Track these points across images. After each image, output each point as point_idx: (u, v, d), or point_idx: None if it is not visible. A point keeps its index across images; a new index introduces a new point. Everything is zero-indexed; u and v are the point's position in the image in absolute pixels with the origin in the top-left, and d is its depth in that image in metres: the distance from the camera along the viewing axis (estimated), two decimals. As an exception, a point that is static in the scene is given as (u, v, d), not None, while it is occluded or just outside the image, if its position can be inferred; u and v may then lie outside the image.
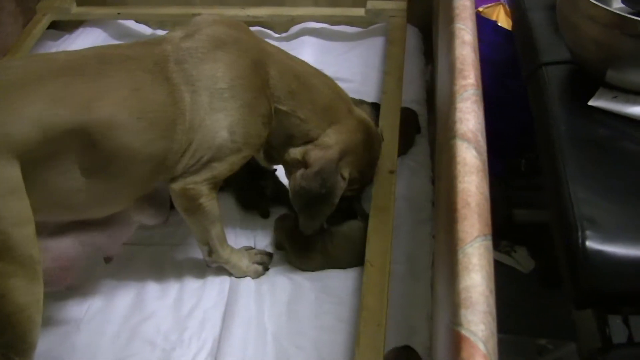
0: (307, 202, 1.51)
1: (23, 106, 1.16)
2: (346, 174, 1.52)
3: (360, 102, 2.00)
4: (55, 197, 1.26)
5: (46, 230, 1.36)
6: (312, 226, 1.56)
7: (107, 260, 1.53)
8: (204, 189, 1.41)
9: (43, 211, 1.25)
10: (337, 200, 1.51)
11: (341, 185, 1.51)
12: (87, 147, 1.23)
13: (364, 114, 1.62)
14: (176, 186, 1.40)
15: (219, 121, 1.35)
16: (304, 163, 1.50)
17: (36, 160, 1.19)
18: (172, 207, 1.50)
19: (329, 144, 1.50)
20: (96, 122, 1.22)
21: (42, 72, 1.22)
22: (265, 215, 1.78)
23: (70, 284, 1.46)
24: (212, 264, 1.60)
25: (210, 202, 1.44)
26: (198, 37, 1.38)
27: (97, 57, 1.31)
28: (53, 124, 1.18)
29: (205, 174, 1.39)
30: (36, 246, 1.20)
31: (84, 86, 1.23)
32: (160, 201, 1.50)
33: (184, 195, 1.41)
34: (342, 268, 1.62)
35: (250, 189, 1.75)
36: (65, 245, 1.41)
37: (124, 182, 1.33)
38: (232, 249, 1.59)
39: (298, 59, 1.56)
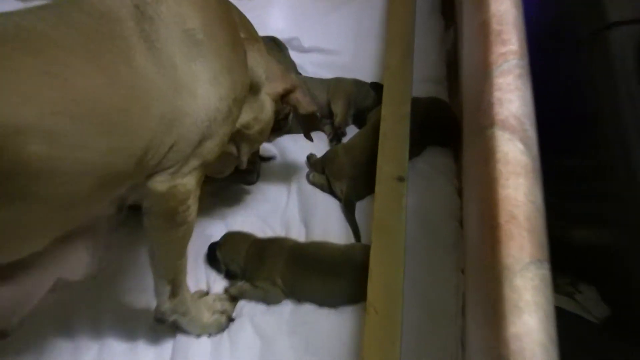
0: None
1: None
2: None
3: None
4: None
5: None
6: None
7: (2, 336, 1.47)
8: (192, 183, 1.42)
9: None
10: None
11: None
12: None
13: None
14: (162, 186, 1.38)
15: (199, 73, 1.35)
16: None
17: None
18: None
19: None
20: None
21: None
22: None
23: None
24: (167, 316, 1.58)
25: (195, 205, 1.45)
26: None
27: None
28: None
29: (193, 162, 1.40)
30: None
31: None
32: (94, 242, 1.48)
33: (171, 197, 1.40)
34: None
35: None
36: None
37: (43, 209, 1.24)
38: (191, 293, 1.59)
39: None
